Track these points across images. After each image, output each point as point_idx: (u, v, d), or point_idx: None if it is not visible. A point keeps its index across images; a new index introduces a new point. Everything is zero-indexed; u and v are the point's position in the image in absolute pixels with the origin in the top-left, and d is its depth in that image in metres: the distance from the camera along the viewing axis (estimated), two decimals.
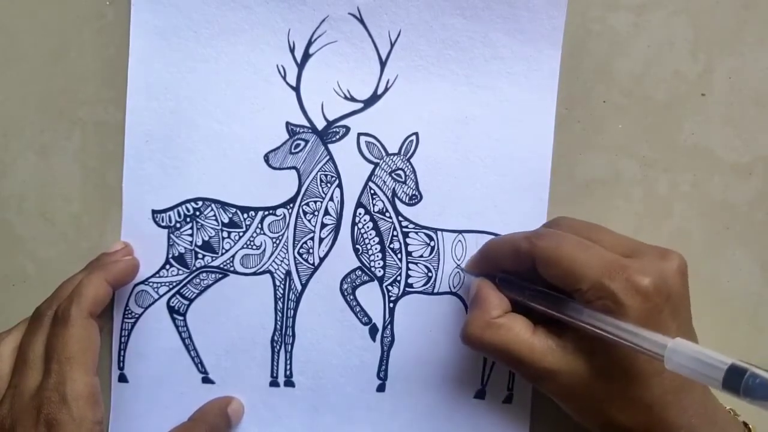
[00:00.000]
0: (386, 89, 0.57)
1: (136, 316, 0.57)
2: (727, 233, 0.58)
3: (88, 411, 0.48)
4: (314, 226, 0.57)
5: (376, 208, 0.57)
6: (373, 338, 0.58)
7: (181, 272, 0.57)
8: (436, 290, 0.58)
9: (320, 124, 0.57)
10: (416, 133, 0.57)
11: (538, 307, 0.49)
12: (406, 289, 0.58)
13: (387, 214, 0.57)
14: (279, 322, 0.57)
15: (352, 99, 0.57)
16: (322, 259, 0.57)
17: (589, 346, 0.47)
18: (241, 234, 0.57)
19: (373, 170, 0.57)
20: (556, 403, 0.51)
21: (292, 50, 0.56)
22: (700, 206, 0.58)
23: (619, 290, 0.45)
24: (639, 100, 0.57)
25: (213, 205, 0.57)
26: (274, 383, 0.58)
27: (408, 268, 0.57)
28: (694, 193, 0.58)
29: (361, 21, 0.56)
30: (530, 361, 0.48)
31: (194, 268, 0.57)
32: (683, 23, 0.57)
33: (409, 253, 0.57)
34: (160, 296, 0.57)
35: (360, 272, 0.57)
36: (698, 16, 0.57)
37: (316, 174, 0.57)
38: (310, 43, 0.56)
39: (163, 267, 0.57)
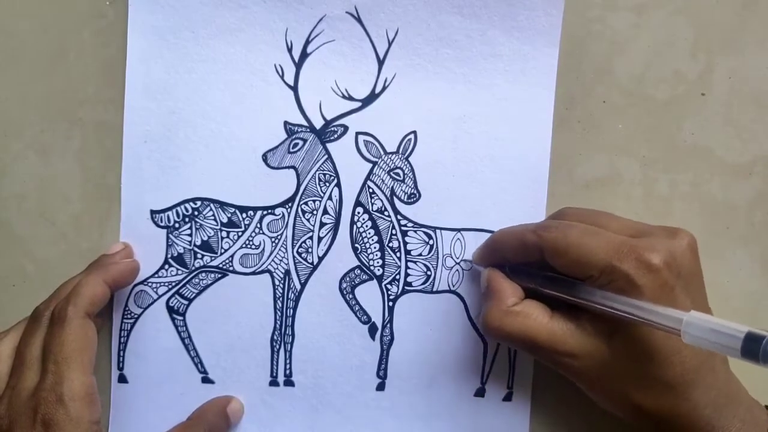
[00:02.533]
0: (384, 88, 0.57)
1: (136, 316, 0.57)
2: (727, 233, 0.58)
3: (85, 411, 0.48)
4: (313, 226, 0.57)
5: (375, 207, 0.57)
6: (373, 337, 0.58)
7: (180, 272, 0.57)
8: (435, 289, 0.58)
9: (318, 124, 0.57)
10: (414, 132, 0.57)
11: (552, 292, 0.49)
12: (405, 287, 0.58)
13: (386, 213, 0.57)
14: (278, 322, 0.57)
15: (350, 98, 0.57)
16: (321, 259, 0.57)
17: (607, 327, 0.47)
18: (240, 233, 0.57)
19: (372, 169, 0.57)
20: (581, 389, 0.51)
21: (289, 49, 0.56)
22: (700, 206, 0.58)
23: (631, 270, 0.45)
24: (639, 100, 0.57)
25: (212, 205, 0.57)
26: (273, 383, 0.58)
27: (407, 267, 0.57)
28: (694, 193, 0.58)
29: (359, 20, 0.56)
30: (551, 345, 0.48)
31: (193, 268, 0.57)
32: (683, 23, 0.57)
33: (408, 252, 0.57)
34: (160, 296, 0.57)
35: (359, 271, 0.57)
36: (698, 16, 0.57)
37: (315, 173, 0.57)
38: (307, 42, 0.56)
39: (162, 267, 0.57)
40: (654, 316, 0.42)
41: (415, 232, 0.57)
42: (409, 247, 0.57)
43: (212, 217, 0.57)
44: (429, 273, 0.57)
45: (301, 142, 0.57)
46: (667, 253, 0.46)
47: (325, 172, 0.57)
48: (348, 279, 0.57)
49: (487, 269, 0.54)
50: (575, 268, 0.47)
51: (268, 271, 0.57)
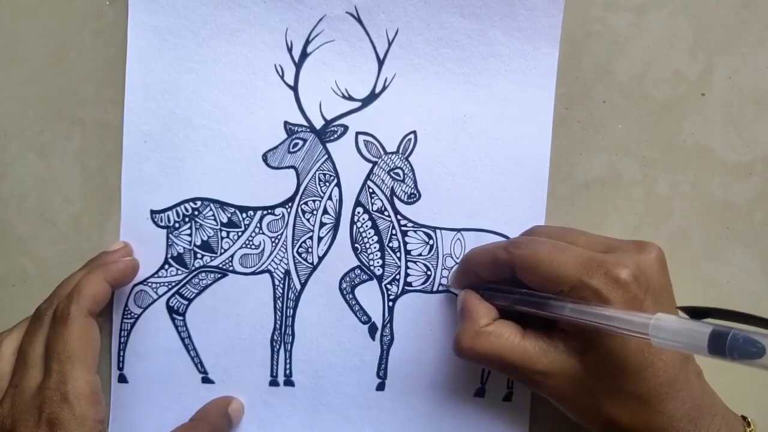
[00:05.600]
0: (384, 88, 0.57)
1: (136, 316, 0.57)
2: (727, 233, 0.58)
3: (90, 409, 0.49)
4: (313, 226, 0.57)
5: (375, 207, 0.57)
6: (373, 337, 0.58)
7: (180, 272, 0.57)
8: (435, 288, 0.58)
9: (318, 123, 0.57)
10: (414, 132, 0.57)
11: (524, 308, 0.50)
12: (405, 287, 0.58)
13: (386, 213, 0.57)
14: (278, 322, 0.57)
15: (350, 98, 0.57)
16: (321, 258, 0.57)
17: (579, 344, 0.47)
18: (239, 233, 0.57)
19: (372, 169, 0.57)
20: (556, 405, 0.51)
21: (289, 49, 0.56)
22: (700, 206, 0.58)
23: (600, 286, 0.45)
24: (639, 100, 0.57)
25: (212, 205, 0.57)
26: (273, 383, 0.58)
27: (407, 267, 0.57)
28: (694, 193, 0.58)
29: (359, 20, 0.56)
30: (523, 364, 0.48)
31: (193, 268, 0.57)
32: (683, 23, 0.57)
33: (408, 252, 0.57)
34: (159, 296, 0.57)
35: (359, 271, 0.57)
36: (698, 16, 0.57)
37: (315, 173, 0.57)
38: (307, 42, 0.56)
39: (162, 267, 0.57)
40: (622, 323, 0.42)
41: (415, 232, 0.57)
42: (409, 247, 0.57)
43: (212, 217, 0.57)
44: (429, 273, 0.57)
45: (301, 142, 0.57)
46: (635, 267, 0.46)
47: (325, 172, 0.57)
48: (348, 279, 0.57)
49: (462, 291, 0.54)
50: (546, 283, 0.48)
51: (268, 271, 0.57)
